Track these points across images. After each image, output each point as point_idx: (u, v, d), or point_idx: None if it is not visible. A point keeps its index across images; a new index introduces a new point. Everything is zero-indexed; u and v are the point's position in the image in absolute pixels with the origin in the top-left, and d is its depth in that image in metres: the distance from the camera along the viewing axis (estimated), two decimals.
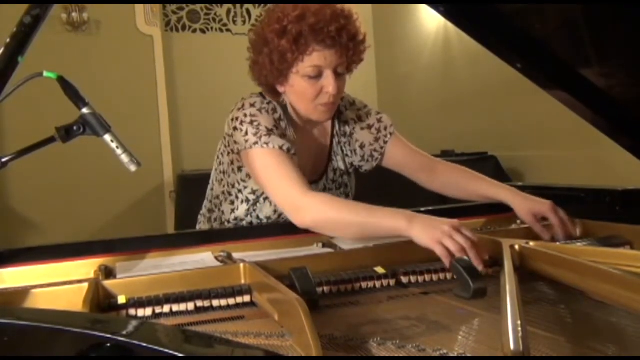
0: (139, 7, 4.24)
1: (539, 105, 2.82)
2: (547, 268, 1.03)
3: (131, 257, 1.19)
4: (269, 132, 1.33)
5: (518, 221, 1.40)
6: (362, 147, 1.53)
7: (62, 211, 3.97)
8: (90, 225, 3.93)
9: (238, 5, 4.74)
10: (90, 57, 4.04)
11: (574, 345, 0.74)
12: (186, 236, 1.35)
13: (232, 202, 1.50)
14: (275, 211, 1.46)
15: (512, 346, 0.64)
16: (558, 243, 1.20)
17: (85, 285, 0.95)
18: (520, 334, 0.66)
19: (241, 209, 1.48)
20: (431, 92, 4.37)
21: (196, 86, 4.47)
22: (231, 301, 0.96)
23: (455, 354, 0.73)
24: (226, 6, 4.70)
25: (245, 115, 1.36)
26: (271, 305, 0.90)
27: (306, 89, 1.32)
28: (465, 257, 1.02)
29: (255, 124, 1.34)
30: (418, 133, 3.58)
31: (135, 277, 1.02)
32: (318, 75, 1.31)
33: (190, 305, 0.94)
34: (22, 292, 0.95)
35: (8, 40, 0.99)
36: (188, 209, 2.79)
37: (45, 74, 1.04)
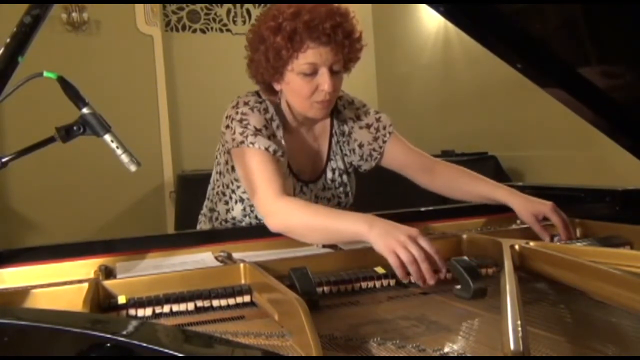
0: (139, 7, 4.24)
1: (539, 105, 2.81)
2: (547, 268, 1.03)
3: (131, 257, 1.19)
4: (257, 132, 1.33)
5: (518, 221, 1.40)
6: (360, 146, 1.53)
7: (62, 211, 3.97)
8: (90, 225, 3.93)
9: (238, 5, 4.74)
10: (90, 57, 4.04)
11: (574, 345, 0.74)
12: (186, 236, 1.35)
13: (227, 202, 1.50)
14: None
15: (512, 346, 0.64)
16: (558, 243, 1.20)
17: (85, 285, 0.95)
18: (520, 334, 0.66)
19: (236, 209, 1.48)
20: (431, 92, 4.37)
21: (196, 86, 4.48)
22: (231, 301, 0.95)
23: (455, 354, 0.73)
24: (226, 6, 4.71)
25: (237, 114, 1.37)
26: (271, 305, 0.90)
27: (301, 86, 1.33)
28: (465, 257, 1.01)
29: (245, 122, 1.35)
30: (418, 133, 3.58)
31: (135, 277, 1.02)
32: (313, 73, 1.31)
33: (190, 305, 0.94)
34: (22, 292, 0.95)
35: (8, 40, 0.99)
36: (188, 209, 2.79)
37: (45, 74, 1.04)
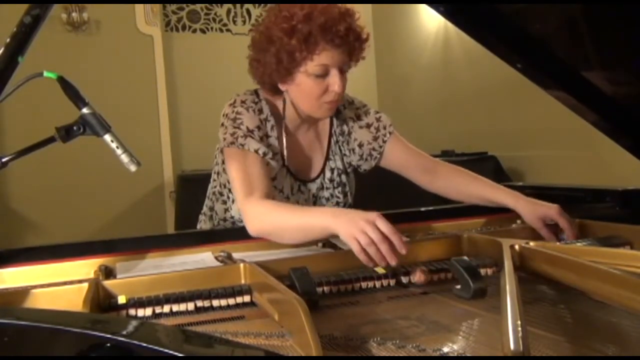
0: (139, 7, 4.24)
1: (539, 105, 2.81)
2: (547, 268, 1.03)
3: (131, 257, 1.19)
4: (248, 132, 1.34)
5: (518, 221, 1.40)
6: (360, 146, 1.53)
7: (62, 211, 3.96)
8: (90, 225, 3.93)
9: (238, 5, 4.74)
10: (90, 57, 4.04)
11: (574, 345, 0.74)
12: (186, 236, 1.35)
13: (225, 202, 1.50)
14: None
15: (512, 346, 0.64)
16: (558, 243, 1.20)
17: (85, 285, 0.95)
18: (520, 334, 0.66)
19: (234, 209, 1.48)
20: (431, 92, 4.37)
21: (196, 86, 4.47)
22: (231, 301, 0.96)
23: (455, 354, 0.73)
24: (226, 6, 4.70)
25: (232, 112, 1.37)
26: (271, 305, 0.90)
27: (312, 87, 1.33)
28: (465, 257, 1.01)
29: (238, 122, 1.35)
30: (418, 133, 3.58)
31: (135, 277, 1.02)
32: (325, 74, 1.32)
33: (190, 305, 0.94)
34: (22, 292, 0.95)
35: (8, 40, 0.99)
36: (188, 209, 2.80)
37: (45, 74, 1.04)
